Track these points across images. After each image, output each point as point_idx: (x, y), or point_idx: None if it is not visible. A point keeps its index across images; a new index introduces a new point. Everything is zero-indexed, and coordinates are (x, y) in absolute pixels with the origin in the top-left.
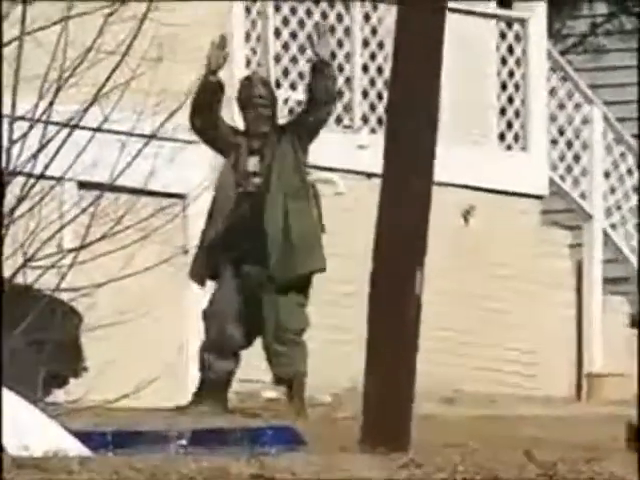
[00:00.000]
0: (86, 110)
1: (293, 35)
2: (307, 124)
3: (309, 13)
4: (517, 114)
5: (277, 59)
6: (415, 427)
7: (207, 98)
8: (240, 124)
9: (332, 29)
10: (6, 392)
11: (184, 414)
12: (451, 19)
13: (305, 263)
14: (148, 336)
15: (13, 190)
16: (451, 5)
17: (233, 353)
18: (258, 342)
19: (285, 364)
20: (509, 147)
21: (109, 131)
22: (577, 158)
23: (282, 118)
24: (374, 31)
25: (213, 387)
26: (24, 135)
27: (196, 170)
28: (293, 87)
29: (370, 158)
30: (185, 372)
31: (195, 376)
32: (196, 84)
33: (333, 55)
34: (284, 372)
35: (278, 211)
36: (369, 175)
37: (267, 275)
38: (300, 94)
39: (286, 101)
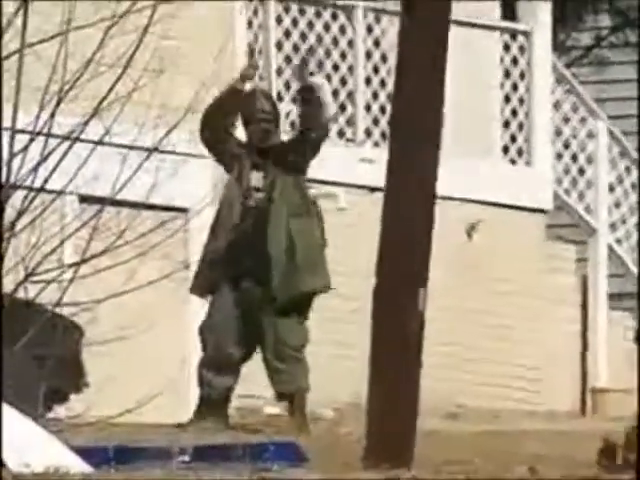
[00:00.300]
0: (87, 123)
1: (295, 48)
2: (308, 141)
3: (311, 25)
4: (521, 127)
5: (279, 72)
6: (419, 443)
7: (225, 107)
8: (243, 138)
9: (335, 41)
10: (7, 408)
11: (186, 430)
12: (455, 31)
13: (309, 281)
14: (149, 351)
15: (14, 203)
16: (455, 17)
17: (232, 369)
18: (258, 357)
19: (286, 381)
20: (513, 161)
21: (110, 144)
22: (582, 172)
23: (285, 132)
24: (377, 43)
25: (213, 403)
26: (25, 148)
27: (198, 184)
28: (295, 100)
29: (373, 172)
30: (187, 388)
31: (197, 392)
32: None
33: (336, 67)
34: (285, 388)
35: (281, 230)
36: (372, 189)
37: (269, 296)
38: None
39: (288, 114)
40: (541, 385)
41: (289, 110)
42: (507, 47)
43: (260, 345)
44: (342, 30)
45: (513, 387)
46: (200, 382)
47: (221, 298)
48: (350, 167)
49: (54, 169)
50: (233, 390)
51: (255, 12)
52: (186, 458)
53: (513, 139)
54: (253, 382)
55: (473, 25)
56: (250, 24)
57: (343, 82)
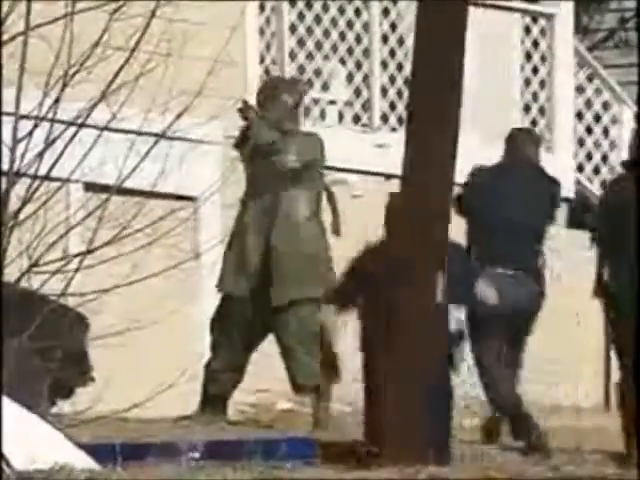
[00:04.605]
0: (93, 108)
1: (309, 30)
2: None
3: (325, 8)
4: (542, 112)
5: (292, 56)
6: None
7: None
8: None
9: (350, 24)
10: (12, 404)
11: (192, 424)
12: (474, 13)
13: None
14: (158, 343)
15: (17, 192)
16: None
17: (239, 365)
18: (269, 352)
19: (307, 372)
20: None
21: (117, 130)
22: (605, 158)
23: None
24: (394, 27)
25: (216, 399)
26: (29, 134)
27: (207, 171)
28: (309, 85)
29: (389, 158)
30: (196, 380)
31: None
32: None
33: (350, 51)
34: (307, 379)
35: (291, 233)
36: (388, 176)
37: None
38: (316, 92)
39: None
40: (564, 379)
41: None
42: (528, 30)
43: (279, 337)
44: (357, 13)
45: (536, 381)
46: (206, 377)
47: (235, 294)
48: (365, 153)
49: (59, 156)
50: (237, 386)
51: None
52: (196, 455)
53: (534, 124)
54: (265, 377)
55: (493, 7)
56: (262, 7)
57: (358, 66)
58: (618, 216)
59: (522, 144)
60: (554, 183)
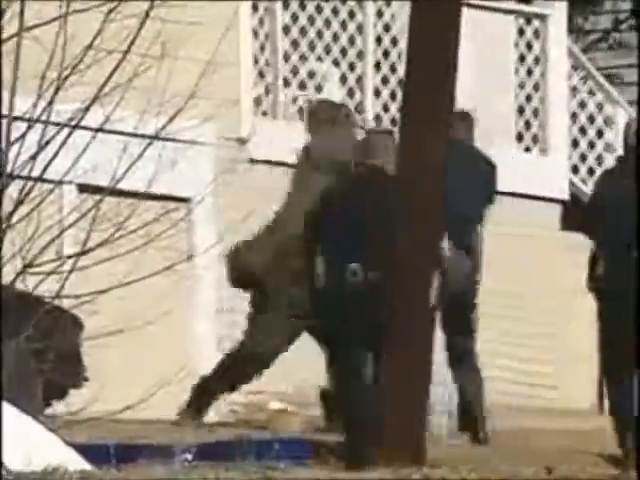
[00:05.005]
0: (87, 110)
1: (302, 31)
2: None
3: (319, 9)
4: (536, 114)
5: (286, 57)
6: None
7: None
8: None
9: (343, 25)
10: (7, 406)
11: (185, 426)
12: (468, 14)
13: None
14: (152, 345)
15: (11, 193)
16: (468, 0)
17: (258, 370)
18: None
19: None
20: (527, 148)
21: (111, 132)
22: (600, 160)
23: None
24: (387, 28)
25: (206, 394)
26: (22, 136)
27: (201, 173)
28: (302, 86)
29: None
30: (190, 383)
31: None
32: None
33: (344, 52)
34: None
35: None
36: None
37: None
38: (309, 93)
39: (295, 100)
40: (558, 382)
41: (295, 95)
42: (522, 31)
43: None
44: (351, 14)
45: (529, 383)
46: (219, 369)
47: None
48: None
49: (53, 158)
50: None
51: None
52: (189, 456)
53: (528, 126)
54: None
55: (487, 8)
56: (255, 7)
57: (352, 67)
58: (610, 210)
59: (456, 126)
60: (489, 165)
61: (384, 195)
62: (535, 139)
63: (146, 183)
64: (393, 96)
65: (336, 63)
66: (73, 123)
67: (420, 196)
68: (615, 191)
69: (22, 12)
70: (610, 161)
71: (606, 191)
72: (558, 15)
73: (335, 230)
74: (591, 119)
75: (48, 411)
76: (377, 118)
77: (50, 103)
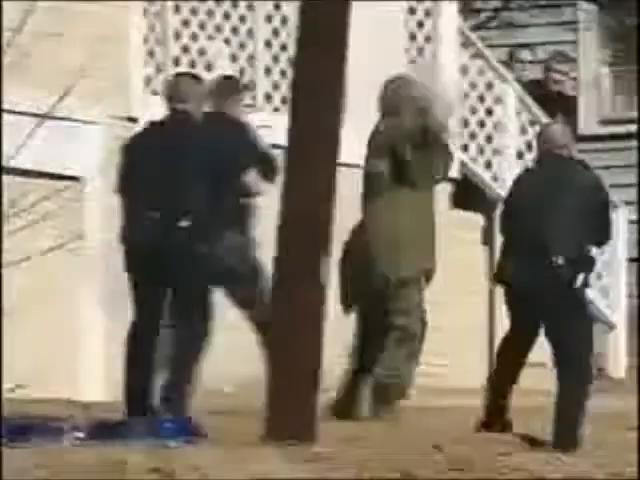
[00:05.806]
0: None
1: (193, 11)
2: None
3: (210, 13)
4: None
5: (176, 36)
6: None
7: None
8: None
9: (234, 4)
10: None
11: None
12: None
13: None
14: (40, 325)
15: None
16: None
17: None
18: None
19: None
20: None
21: (2, 110)
22: (489, 139)
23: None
24: (277, 6)
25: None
26: None
27: (91, 151)
28: (193, 65)
29: (271, 138)
30: (76, 363)
31: (87, 367)
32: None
33: (235, 30)
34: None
35: None
36: None
37: None
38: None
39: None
40: (449, 360)
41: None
42: (412, 10)
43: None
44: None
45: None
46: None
47: None
48: None
49: None
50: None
51: None
52: (80, 435)
53: None
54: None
55: None
56: (146, 12)
57: (242, 46)
58: (522, 212)
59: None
60: (241, 127)
61: (186, 140)
62: None
63: (37, 161)
64: (284, 74)
65: (227, 41)
66: None
67: (311, 177)
68: (529, 193)
69: None
70: (499, 140)
71: (520, 192)
72: None
73: (140, 179)
74: (481, 98)
75: None
76: (268, 97)
77: None
